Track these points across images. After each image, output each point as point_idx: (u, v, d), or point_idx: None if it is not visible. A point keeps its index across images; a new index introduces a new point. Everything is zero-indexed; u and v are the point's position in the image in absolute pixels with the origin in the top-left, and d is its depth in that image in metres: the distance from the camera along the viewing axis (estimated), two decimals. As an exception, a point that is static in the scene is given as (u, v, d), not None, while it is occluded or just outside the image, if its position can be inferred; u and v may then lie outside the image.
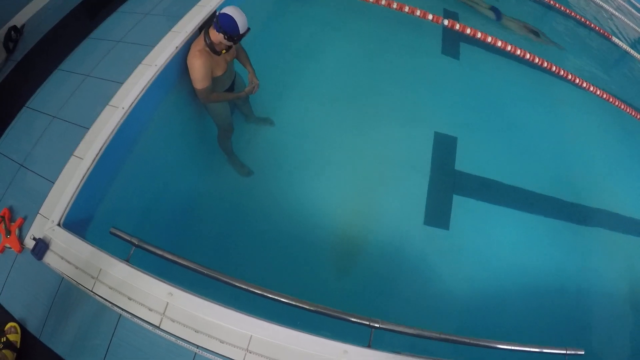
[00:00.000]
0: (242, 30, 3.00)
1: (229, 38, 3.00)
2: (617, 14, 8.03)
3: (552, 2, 7.04)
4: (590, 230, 4.18)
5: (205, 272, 2.17)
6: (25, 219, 2.60)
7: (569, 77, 5.14)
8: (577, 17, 7.04)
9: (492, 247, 3.78)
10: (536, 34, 6.09)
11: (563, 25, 7.06)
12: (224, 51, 3.17)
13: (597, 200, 4.39)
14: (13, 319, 2.33)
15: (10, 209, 2.66)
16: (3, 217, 2.59)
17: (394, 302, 3.39)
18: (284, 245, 3.50)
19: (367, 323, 2.10)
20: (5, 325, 2.31)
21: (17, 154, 2.96)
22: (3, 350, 2.18)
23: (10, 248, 2.50)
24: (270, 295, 2.12)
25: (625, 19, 7.97)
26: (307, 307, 2.11)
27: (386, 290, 3.45)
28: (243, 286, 2.14)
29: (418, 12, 4.99)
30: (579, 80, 5.18)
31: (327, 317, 2.11)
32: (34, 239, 2.40)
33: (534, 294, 3.62)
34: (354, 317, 2.11)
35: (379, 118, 4.42)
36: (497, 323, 3.37)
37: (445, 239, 3.73)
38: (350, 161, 4.07)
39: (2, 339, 2.23)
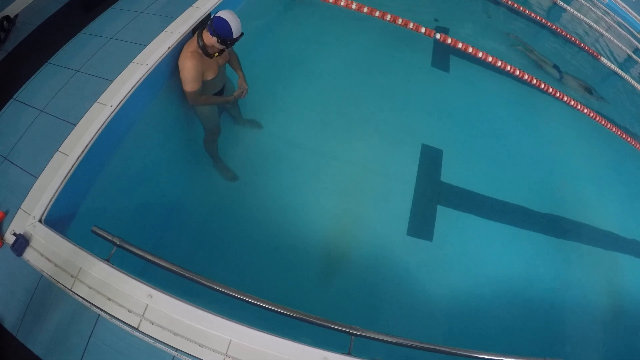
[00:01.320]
0: (235, 35, 3.00)
1: (222, 42, 3.00)
2: (606, 33, 8.25)
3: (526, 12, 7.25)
4: (572, 244, 4.26)
5: (186, 274, 2.16)
6: (6, 213, 2.56)
7: (557, 94, 5.23)
8: (565, 34, 7.26)
9: (475, 259, 3.83)
10: (589, 90, 6.33)
11: (551, 42, 7.26)
12: (216, 54, 3.17)
13: (580, 214, 4.48)
14: (-11, 316, 2.30)
15: (-8, 203, 2.62)
16: (-16, 211, 2.56)
17: (376, 311, 3.41)
18: (266, 251, 3.50)
19: (347, 330, 2.11)
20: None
21: (2, 146, 2.92)
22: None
23: (-10, 242, 2.46)
24: (251, 300, 2.11)
25: (612, 38, 8.17)
26: (287, 313, 2.11)
27: (369, 299, 3.46)
28: (224, 290, 2.13)
29: (411, 25, 5.04)
30: (567, 98, 5.27)
31: (308, 323, 2.11)
32: (15, 234, 2.38)
33: (516, 305, 3.67)
34: (334, 325, 2.11)
35: (367, 126, 4.47)
36: (478, 333, 3.41)
37: (428, 250, 3.76)
38: (336, 169, 4.10)
39: (-23, 335, 2.20)
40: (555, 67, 6.42)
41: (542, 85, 5.17)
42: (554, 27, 7.34)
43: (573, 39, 7.29)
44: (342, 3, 4.98)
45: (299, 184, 3.91)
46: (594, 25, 8.42)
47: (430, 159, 4.35)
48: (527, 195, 4.42)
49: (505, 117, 5.16)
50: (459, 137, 4.65)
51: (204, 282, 2.14)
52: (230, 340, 2.07)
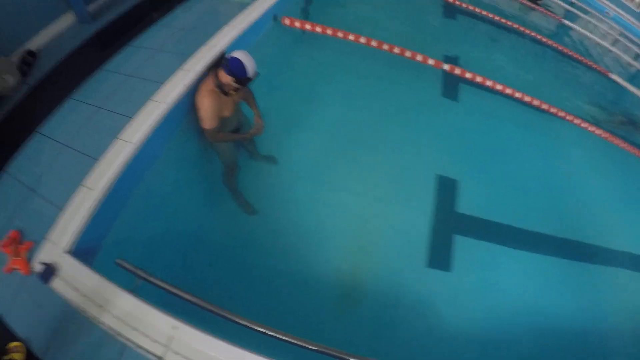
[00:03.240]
0: (251, 75, 3.15)
1: (238, 81, 3.15)
2: (613, 49, 8.38)
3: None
4: (596, 268, 4.29)
5: (208, 307, 2.29)
6: (34, 242, 2.69)
7: (568, 117, 5.35)
8: (575, 55, 7.38)
9: (496, 288, 3.86)
10: None
11: (560, 64, 7.38)
12: (232, 92, 3.30)
13: (602, 238, 4.52)
14: (18, 338, 2.40)
15: (20, 232, 2.75)
16: (13, 238, 2.68)
17: (397, 344, 3.41)
18: (286, 284, 3.55)
19: None
20: (9, 344, 2.36)
21: (28, 178, 3.07)
22: (7, 370, 2.27)
23: (18, 269, 2.59)
24: (272, 333, 2.22)
25: (621, 54, 8.31)
26: (309, 346, 2.20)
27: (389, 333, 3.47)
28: (246, 323, 2.25)
29: (419, 57, 5.20)
30: (578, 121, 5.38)
31: (328, 356, 2.21)
32: (42, 263, 2.51)
33: (540, 333, 3.67)
34: (353, 357, 2.20)
35: (381, 158, 4.56)
36: None
37: (447, 281, 3.80)
38: (353, 202, 4.16)
39: (6, 357, 2.30)
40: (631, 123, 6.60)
41: (552, 110, 5.28)
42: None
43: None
44: (351, 37, 5.14)
45: (316, 217, 3.98)
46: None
47: (446, 189, 4.42)
48: (547, 220, 4.46)
49: (519, 144, 5.25)
50: (473, 166, 4.73)
51: (226, 315, 2.26)
52: (251, 371, 2.18)
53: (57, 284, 2.49)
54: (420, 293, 3.69)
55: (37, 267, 2.55)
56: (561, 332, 3.75)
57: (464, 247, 4.02)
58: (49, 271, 2.50)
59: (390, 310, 3.59)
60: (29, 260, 2.63)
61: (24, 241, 2.72)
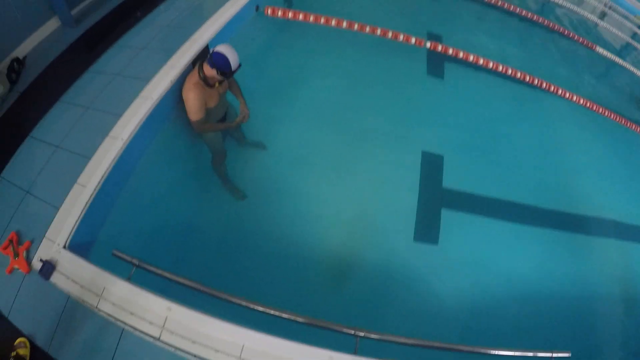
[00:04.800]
0: (234, 67, 3.23)
1: (222, 74, 3.23)
2: (601, 22, 8.34)
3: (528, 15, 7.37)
4: (581, 237, 4.34)
5: (200, 288, 2.38)
6: (32, 242, 2.78)
7: (552, 88, 5.36)
8: (560, 29, 7.33)
9: (482, 259, 3.91)
10: None
11: (546, 37, 7.35)
12: (217, 84, 3.39)
13: (587, 207, 4.56)
14: (22, 335, 2.50)
15: (18, 233, 2.83)
16: (11, 240, 2.77)
17: (387, 316, 3.49)
18: (278, 263, 3.62)
19: (352, 332, 2.31)
20: (15, 341, 2.46)
21: (23, 181, 3.15)
22: (14, 364, 2.36)
23: (18, 269, 2.67)
24: (261, 309, 2.33)
25: (610, 27, 8.28)
26: (295, 318, 2.31)
27: (379, 304, 3.55)
28: (236, 301, 2.34)
29: (401, 37, 5.22)
30: (562, 91, 5.39)
31: (316, 327, 2.30)
32: (41, 260, 2.59)
33: (526, 302, 3.73)
34: (340, 327, 2.31)
35: (369, 139, 4.59)
36: (488, 332, 3.48)
37: (434, 253, 3.87)
38: (341, 181, 4.22)
39: (13, 353, 2.39)
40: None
41: (536, 81, 5.31)
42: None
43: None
44: (333, 23, 5.16)
45: (304, 199, 4.03)
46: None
47: (432, 165, 4.45)
48: (532, 192, 4.49)
49: (504, 117, 5.26)
50: (458, 141, 4.76)
51: (217, 294, 2.36)
52: (243, 344, 2.27)
53: (56, 278, 2.57)
54: (409, 267, 3.75)
55: (37, 265, 2.63)
56: (546, 301, 3.81)
57: (451, 220, 4.07)
58: (48, 267, 2.58)
59: (381, 284, 3.65)
60: (28, 259, 2.71)
61: (23, 241, 2.79)
